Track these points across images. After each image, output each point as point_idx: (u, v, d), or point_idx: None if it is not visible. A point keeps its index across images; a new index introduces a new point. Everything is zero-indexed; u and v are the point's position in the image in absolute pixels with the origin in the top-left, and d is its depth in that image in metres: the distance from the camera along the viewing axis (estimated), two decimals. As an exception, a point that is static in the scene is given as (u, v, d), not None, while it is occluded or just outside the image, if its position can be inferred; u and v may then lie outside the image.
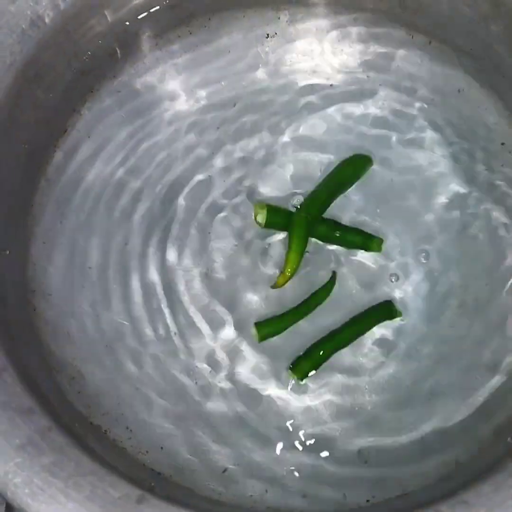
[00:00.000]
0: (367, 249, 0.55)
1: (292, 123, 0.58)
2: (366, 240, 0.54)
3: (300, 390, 0.52)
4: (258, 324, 0.52)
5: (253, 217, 0.55)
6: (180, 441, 0.52)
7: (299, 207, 0.55)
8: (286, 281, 0.52)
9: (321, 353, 0.52)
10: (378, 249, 0.54)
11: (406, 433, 0.51)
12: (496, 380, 0.51)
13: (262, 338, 0.52)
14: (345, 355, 0.52)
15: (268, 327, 0.52)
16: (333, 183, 0.56)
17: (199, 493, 0.48)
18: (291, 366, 0.52)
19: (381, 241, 0.54)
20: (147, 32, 0.57)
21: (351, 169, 0.56)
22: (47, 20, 0.48)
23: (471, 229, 0.55)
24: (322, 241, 0.55)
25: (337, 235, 0.54)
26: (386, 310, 0.53)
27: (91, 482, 0.39)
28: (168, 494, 0.43)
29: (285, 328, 0.53)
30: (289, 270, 0.52)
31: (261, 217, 0.54)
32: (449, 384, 0.52)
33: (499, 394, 0.51)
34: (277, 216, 0.54)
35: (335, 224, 0.55)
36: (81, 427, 0.46)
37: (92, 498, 0.38)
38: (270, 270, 0.55)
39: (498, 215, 0.55)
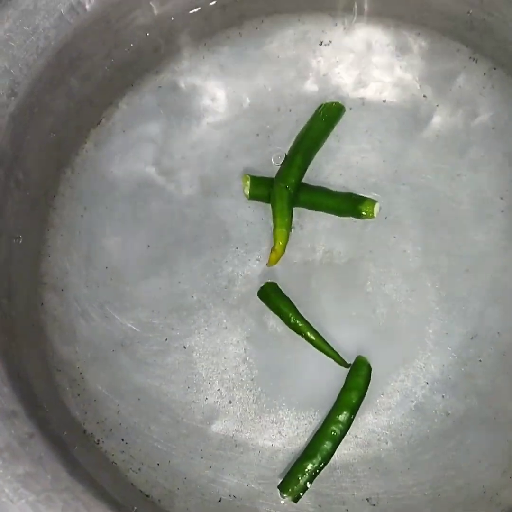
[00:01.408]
0: (358, 215, 0.50)
1: (336, 137, 0.54)
2: (357, 204, 0.50)
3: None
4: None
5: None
6: (178, 462, 0.49)
7: (278, 172, 0.51)
8: (279, 257, 0.49)
9: (309, 468, 0.47)
10: (370, 213, 0.50)
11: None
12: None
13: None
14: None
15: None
16: (308, 142, 0.52)
17: (186, 522, 0.45)
18: (279, 485, 0.48)
19: (373, 203, 0.50)
20: (195, 30, 0.55)
21: (321, 123, 0.53)
22: (87, 7, 0.46)
23: None
24: (309, 209, 0.52)
25: (322, 202, 0.51)
26: (361, 370, 0.49)
27: (64, 499, 0.36)
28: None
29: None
30: (279, 245, 0.49)
31: (246, 190, 0.52)
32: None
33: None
34: (260, 188, 0.52)
35: (319, 191, 0.51)
36: (70, 436, 0.44)
37: (62, 516, 0.35)
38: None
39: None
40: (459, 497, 0.46)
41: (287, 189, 0.50)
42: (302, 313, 0.51)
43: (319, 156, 0.54)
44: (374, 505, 0.47)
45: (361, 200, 0.51)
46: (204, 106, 0.56)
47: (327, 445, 0.47)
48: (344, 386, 0.49)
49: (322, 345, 0.49)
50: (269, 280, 0.51)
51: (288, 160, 0.52)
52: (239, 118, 0.55)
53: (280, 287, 0.51)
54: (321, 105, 0.53)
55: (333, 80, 0.57)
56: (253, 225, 0.53)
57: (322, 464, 0.47)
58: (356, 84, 0.56)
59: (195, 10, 0.53)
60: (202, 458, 0.49)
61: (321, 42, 0.57)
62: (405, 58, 0.56)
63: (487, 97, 0.55)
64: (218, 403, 0.50)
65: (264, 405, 0.50)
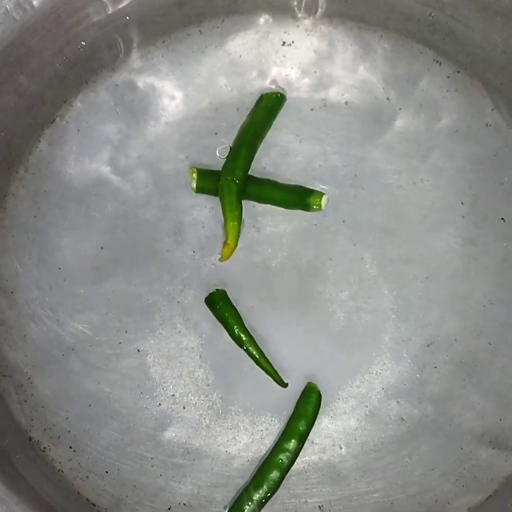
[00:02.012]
0: (307, 208, 0.50)
1: (297, 138, 0.54)
2: (305, 197, 0.50)
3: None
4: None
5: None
6: (127, 469, 0.48)
7: (224, 165, 0.51)
8: (232, 251, 0.49)
9: (256, 498, 0.46)
10: (318, 206, 0.50)
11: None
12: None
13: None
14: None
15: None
16: (251, 134, 0.51)
17: (132, 531, 0.44)
18: None
19: (321, 195, 0.50)
20: (152, 27, 0.53)
21: (263, 113, 0.52)
22: (35, 3, 0.45)
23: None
24: (257, 202, 0.51)
25: (271, 195, 0.50)
26: (310, 397, 0.48)
27: (-2, 511, 0.35)
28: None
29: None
30: (231, 239, 0.48)
31: (193, 183, 0.51)
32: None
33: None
34: (208, 181, 0.51)
35: (267, 183, 0.51)
36: (12, 443, 0.43)
37: (-6, 529, 0.34)
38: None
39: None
40: (411, 505, 0.46)
41: (235, 182, 0.49)
42: (260, 317, 0.50)
43: (279, 157, 0.53)
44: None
45: (309, 192, 0.50)
46: (162, 105, 0.55)
47: (274, 474, 0.46)
48: (293, 413, 0.48)
49: (262, 361, 0.48)
50: (219, 288, 0.50)
51: (233, 152, 0.51)
52: (198, 118, 0.54)
53: (238, 290, 0.51)
54: (262, 95, 0.53)
55: (295, 81, 0.56)
56: (210, 227, 0.52)
57: (269, 493, 0.46)
58: (318, 85, 0.55)
59: (151, 8, 0.52)
60: (152, 466, 0.48)
61: (284, 43, 0.56)
62: (368, 59, 0.56)
63: (450, 100, 0.54)
64: (171, 409, 0.49)
65: (219, 411, 0.49)
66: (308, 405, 0.48)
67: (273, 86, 0.54)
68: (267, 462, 0.47)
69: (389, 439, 0.48)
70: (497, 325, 0.49)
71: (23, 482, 0.38)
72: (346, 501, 0.47)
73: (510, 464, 0.46)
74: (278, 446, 0.47)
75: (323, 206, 0.50)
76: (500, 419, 0.48)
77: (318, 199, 0.50)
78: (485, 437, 0.47)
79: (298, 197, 0.50)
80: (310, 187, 0.51)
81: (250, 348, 0.48)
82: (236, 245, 0.48)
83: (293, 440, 0.47)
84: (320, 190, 0.50)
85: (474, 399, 0.48)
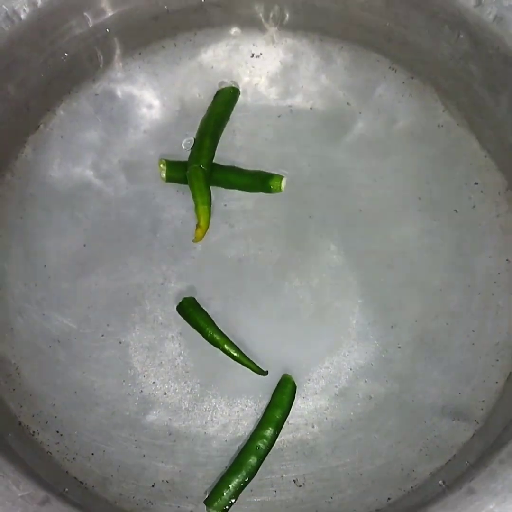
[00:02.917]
0: (268, 190, 0.55)
1: (266, 141, 0.58)
2: (266, 180, 0.54)
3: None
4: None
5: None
6: (112, 450, 0.51)
7: (190, 155, 0.55)
8: (204, 233, 0.53)
9: (235, 483, 0.49)
10: (278, 188, 0.54)
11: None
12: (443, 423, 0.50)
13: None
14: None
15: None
16: (212, 125, 0.56)
17: (118, 505, 0.46)
18: (206, 500, 0.49)
19: (280, 178, 0.54)
20: (130, 40, 0.57)
21: (221, 107, 0.57)
22: (22, 16, 0.49)
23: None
24: (223, 187, 0.56)
25: (236, 180, 0.55)
26: (286, 388, 0.51)
27: (-6, 478, 0.38)
28: (80, 502, 0.41)
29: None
30: (202, 222, 0.52)
31: (163, 173, 0.55)
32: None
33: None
34: (176, 171, 0.55)
35: (231, 169, 0.55)
36: (5, 425, 0.45)
37: (-9, 493, 0.37)
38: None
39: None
40: (379, 475, 0.49)
41: (202, 168, 0.53)
42: (234, 307, 0.53)
43: (249, 160, 0.57)
44: (300, 486, 0.50)
45: (269, 176, 0.55)
46: (140, 113, 0.58)
47: (252, 460, 0.49)
48: (269, 403, 0.51)
49: (239, 357, 0.51)
50: (186, 296, 0.53)
51: (198, 143, 0.56)
52: (172, 124, 0.58)
53: (214, 283, 0.54)
54: (218, 91, 0.58)
55: (263, 89, 0.60)
56: (187, 224, 0.55)
57: (247, 479, 0.49)
58: (285, 93, 0.60)
59: (129, 22, 0.56)
60: (136, 447, 0.50)
61: (252, 54, 0.60)
62: (329, 69, 0.60)
63: (405, 104, 0.59)
64: (153, 395, 0.52)
65: (198, 395, 0.52)
66: (284, 395, 0.51)
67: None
68: (245, 449, 0.50)
69: (358, 416, 0.51)
70: (453, 308, 0.53)
71: (17, 457, 0.41)
72: (319, 475, 0.50)
73: (468, 433, 0.50)
74: (255, 434, 0.50)
75: (283, 188, 0.54)
76: (459, 393, 0.51)
77: (278, 182, 0.54)
78: (445, 410, 0.51)
79: (260, 181, 0.55)
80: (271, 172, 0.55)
81: (225, 347, 0.52)
82: (208, 226, 0.52)
83: (270, 428, 0.50)
84: (279, 174, 0.55)
85: (434, 375, 0.52)
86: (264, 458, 0.49)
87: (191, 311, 0.52)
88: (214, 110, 0.57)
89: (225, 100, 0.57)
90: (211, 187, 0.55)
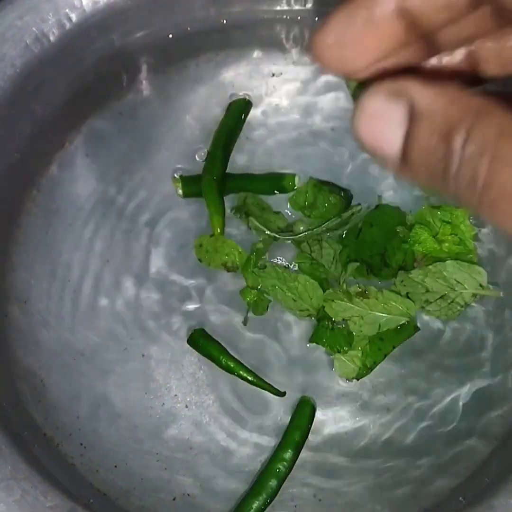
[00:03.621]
0: (282, 190, 0.56)
1: (287, 157, 0.59)
2: (278, 181, 0.56)
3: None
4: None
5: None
6: (134, 463, 0.51)
7: (204, 167, 0.57)
8: None
9: (256, 505, 0.49)
10: (292, 187, 0.56)
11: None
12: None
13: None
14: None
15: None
16: (224, 137, 0.57)
17: (141, 518, 0.47)
18: None
19: (293, 176, 0.56)
20: (154, 60, 0.59)
21: (233, 118, 0.58)
22: (51, 38, 0.50)
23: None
24: (239, 192, 0.57)
25: (250, 185, 0.56)
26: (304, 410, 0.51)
27: (24, 487, 0.39)
28: (105, 513, 0.42)
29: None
30: (217, 230, 0.54)
31: (179, 190, 0.57)
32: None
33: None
34: (191, 186, 0.56)
35: (244, 176, 0.57)
36: (30, 436, 0.46)
37: (21, 502, 0.38)
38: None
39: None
40: (399, 491, 0.50)
41: (215, 180, 0.55)
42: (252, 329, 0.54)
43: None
44: (320, 500, 0.50)
45: (282, 176, 0.56)
46: (162, 131, 0.60)
47: (272, 482, 0.49)
48: (288, 425, 0.51)
49: (255, 380, 0.52)
50: (196, 327, 0.54)
51: (211, 155, 0.57)
52: (194, 142, 0.59)
53: (235, 302, 0.55)
54: (230, 103, 0.59)
55: (283, 109, 0.61)
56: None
57: (268, 500, 0.49)
58: (305, 112, 0.61)
59: (154, 42, 0.58)
60: (158, 460, 0.51)
61: (273, 74, 0.62)
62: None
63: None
64: (174, 408, 0.53)
65: (218, 409, 0.53)
66: (303, 417, 0.51)
67: (269, 115, 0.60)
68: (266, 472, 0.50)
69: (377, 430, 0.52)
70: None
71: (43, 468, 0.42)
72: (339, 490, 0.50)
73: (486, 449, 0.50)
74: (275, 456, 0.50)
75: (297, 184, 0.56)
76: (478, 410, 0.52)
77: (292, 180, 0.56)
78: (464, 427, 0.51)
79: (273, 183, 0.56)
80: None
81: (241, 372, 0.52)
82: (223, 235, 0.54)
83: (289, 450, 0.50)
84: (291, 173, 0.56)
85: (455, 391, 0.52)
86: (285, 480, 0.50)
87: (202, 342, 0.53)
88: (225, 122, 0.58)
89: (237, 112, 0.59)
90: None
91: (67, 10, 0.50)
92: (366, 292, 0.50)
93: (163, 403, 0.53)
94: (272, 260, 0.55)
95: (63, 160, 0.58)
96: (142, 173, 0.58)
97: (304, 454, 0.51)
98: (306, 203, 0.55)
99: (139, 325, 0.55)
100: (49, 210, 0.57)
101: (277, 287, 0.52)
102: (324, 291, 0.52)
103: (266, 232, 0.54)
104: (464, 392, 0.52)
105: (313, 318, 0.53)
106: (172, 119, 0.60)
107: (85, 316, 0.54)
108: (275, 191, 0.56)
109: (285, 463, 0.50)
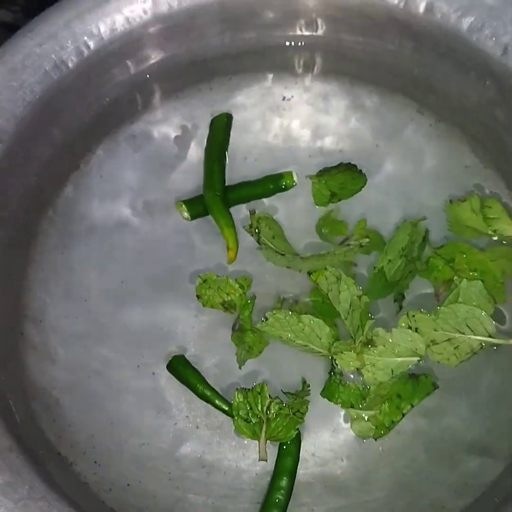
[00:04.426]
0: (283, 188, 0.58)
1: (298, 176, 0.59)
2: (278, 181, 0.58)
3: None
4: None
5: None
6: (147, 482, 0.52)
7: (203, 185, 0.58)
8: (236, 253, 0.55)
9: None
10: (291, 183, 0.58)
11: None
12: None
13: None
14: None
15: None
16: (216, 152, 0.59)
17: (154, 536, 0.48)
18: None
19: (290, 173, 0.58)
20: (168, 84, 0.60)
21: (220, 133, 0.60)
22: (70, 65, 0.52)
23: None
24: (243, 203, 0.58)
25: (251, 192, 0.58)
26: None
27: (41, 507, 0.39)
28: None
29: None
30: (231, 243, 0.55)
31: (185, 214, 0.58)
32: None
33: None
34: (196, 207, 0.58)
35: (242, 185, 0.58)
36: (45, 455, 0.47)
37: (38, 523, 0.38)
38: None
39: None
40: (409, 511, 0.50)
41: (218, 194, 0.56)
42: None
43: (283, 202, 0.59)
44: (330, 521, 0.51)
45: (279, 176, 0.58)
46: (176, 154, 0.61)
47: None
48: (278, 455, 0.52)
49: (229, 410, 0.52)
50: (175, 354, 0.54)
51: (207, 171, 0.59)
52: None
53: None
54: (212, 119, 0.60)
55: (294, 131, 0.62)
56: (224, 266, 0.57)
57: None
58: (315, 135, 0.62)
59: (168, 68, 0.59)
60: (170, 479, 0.52)
61: (284, 97, 0.63)
62: (359, 111, 0.62)
63: (432, 146, 0.61)
64: (186, 427, 0.53)
65: (228, 429, 0.53)
66: (291, 443, 0.52)
67: (280, 139, 0.62)
68: (266, 503, 0.50)
69: (387, 451, 0.52)
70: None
71: (57, 486, 0.42)
72: (349, 509, 0.51)
73: (496, 469, 0.50)
74: (272, 486, 0.51)
75: (296, 181, 0.58)
76: (487, 430, 0.52)
77: (290, 178, 0.58)
78: (474, 447, 0.52)
79: (272, 184, 0.58)
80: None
81: (216, 401, 0.53)
82: (237, 247, 0.55)
83: (284, 478, 0.51)
84: (287, 171, 0.58)
85: (463, 412, 0.53)
86: (286, 508, 0.50)
87: (180, 369, 0.54)
88: (214, 137, 0.60)
89: (222, 126, 0.60)
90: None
91: (85, 38, 0.52)
92: (373, 340, 0.50)
93: (175, 423, 0.53)
94: (281, 295, 0.56)
95: (78, 181, 0.59)
96: (157, 195, 0.59)
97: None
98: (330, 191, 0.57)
99: (151, 344, 0.55)
100: (64, 230, 0.58)
101: (282, 337, 0.52)
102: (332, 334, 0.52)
103: (278, 254, 0.54)
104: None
105: (329, 357, 0.52)
106: (186, 141, 0.61)
107: (100, 335, 0.55)
108: (277, 191, 0.58)
109: (282, 491, 0.50)
